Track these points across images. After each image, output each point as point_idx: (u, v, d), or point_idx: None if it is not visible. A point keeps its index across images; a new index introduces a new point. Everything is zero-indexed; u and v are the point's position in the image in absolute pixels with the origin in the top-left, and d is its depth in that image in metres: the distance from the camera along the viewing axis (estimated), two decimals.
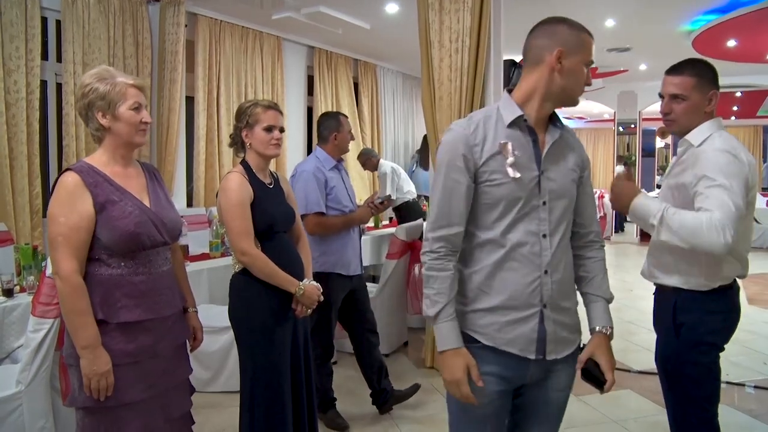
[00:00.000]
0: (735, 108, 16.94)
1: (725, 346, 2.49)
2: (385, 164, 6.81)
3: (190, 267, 4.55)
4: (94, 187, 2.04)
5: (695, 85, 2.38)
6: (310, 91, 8.68)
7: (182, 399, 2.34)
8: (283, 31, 7.75)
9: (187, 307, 2.42)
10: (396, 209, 6.81)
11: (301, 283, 2.69)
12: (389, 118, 10.19)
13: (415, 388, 3.92)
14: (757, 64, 9.88)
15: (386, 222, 7.12)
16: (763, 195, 16.25)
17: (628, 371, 4.69)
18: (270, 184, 2.78)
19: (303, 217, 3.44)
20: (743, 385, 4.44)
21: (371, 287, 5.00)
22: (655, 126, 20.04)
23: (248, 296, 2.67)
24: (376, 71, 9.85)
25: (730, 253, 2.22)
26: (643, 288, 4.43)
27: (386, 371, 3.83)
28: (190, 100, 6.65)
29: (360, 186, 9.25)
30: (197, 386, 4.12)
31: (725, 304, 2.44)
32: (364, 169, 7.31)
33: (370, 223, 7.04)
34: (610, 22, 7.50)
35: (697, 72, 2.39)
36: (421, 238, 5.01)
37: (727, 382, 4.47)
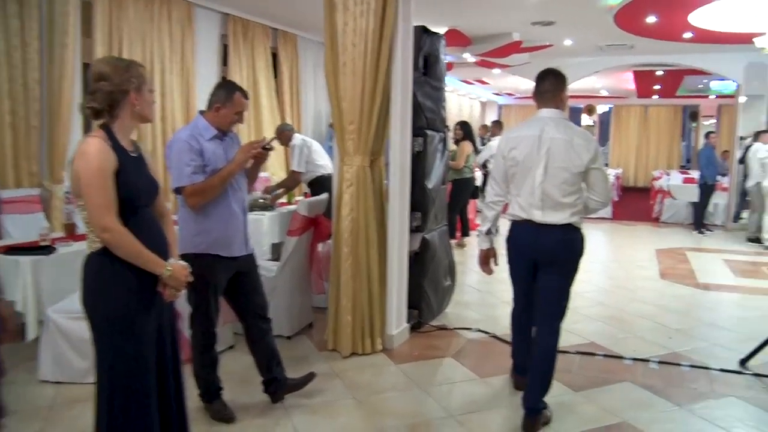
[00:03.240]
0: (657, 87, 17.25)
1: None
2: (297, 137, 6.50)
3: (74, 247, 4.20)
4: None
5: None
6: (225, 61, 8.26)
7: None
8: None
9: None
10: (309, 184, 6.52)
11: (167, 264, 2.41)
12: (310, 91, 9.86)
13: (310, 376, 3.68)
14: (677, 42, 9.96)
15: (300, 198, 6.84)
16: (681, 172, 16.67)
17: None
18: (133, 152, 2.46)
19: (179, 190, 3.13)
20: (648, 360, 4.39)
21: (273, 266, 4.74)
22: (582, 103, 20.32)
23: (106, 278, 2.36)
24: (296, 42, 9.48)
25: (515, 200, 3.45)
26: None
27: (278, 359, 3.58)
28: (89, 68, 6.15)
29: (277, 163, 8.95)
30: (75, 377, 3.84)
31: (511, 233, 3.56)
32: (281, 144, 6.99)
33: (283, 199, 6.75)
34: None
35: None
36: (325, 214, 4.76)
37: (633, 359, 4.43)
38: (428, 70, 4.97)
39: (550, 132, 3.29)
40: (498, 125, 10.45)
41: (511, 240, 3.55)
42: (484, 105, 22.25)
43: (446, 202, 5.48)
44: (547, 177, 3.27)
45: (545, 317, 3.44)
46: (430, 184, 4.91)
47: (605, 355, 4.51)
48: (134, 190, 2.39)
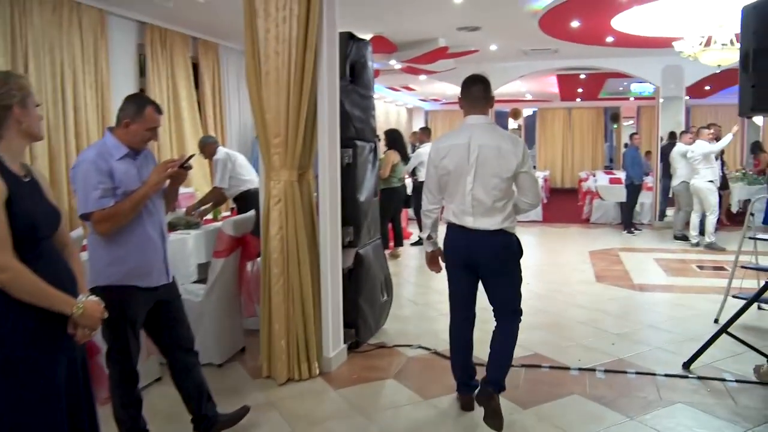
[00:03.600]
0: (579, 90, 17.61)
1: None
2: (221, 151, 6.19)
3: None
4: None
5: None
6: (143, 72, 7.84)
7: None
8: (106, 4, 6.87)
9: None
10: (235, 199, 6.22)
11: (78, 301, 2.11)
12: (234, 102, 9.52)
13: (244, 410, 3.40)
14: (599, 46, 10.11)
15: (227, 213, 6.51)
16: (606, 173, 17.05)
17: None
18: (25, 176, 2.15)
19: (86, 216, 2.81)
20: (594, 370, 4.30)
21: (200, 289, 4.43)
22: (508, 107, 20.59)
23: (2, 322, 2.04)
24: (218, 51, 9.13)
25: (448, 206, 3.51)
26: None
27: (208, 394, 3.28)
28: None
29: (202, 177, 8.58)
30: None
31: (446, 237, 3.56)
32: (205, 158, 6.67)
33: (209, 216, 6.42)
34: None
35: None
36: (253, 232, 4.48)
37: (579, 369, 4.32)
38: (356, 77, 4.77)
39: (478, 139, 3.33)
40: (426, 132, 10.31)
41: (447, 243, 3.59)
42: (410, 111, 22.26)
43: (376, 214, 5.28)
44: (477, 184, 3.33)
45: (502, 318, 3.54)
46: (362, 196, 4.70)
47: (551, 367, 4.38)
48: (31, 221, 2.08)
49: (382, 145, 9.53)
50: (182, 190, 7.88)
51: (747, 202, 11.73)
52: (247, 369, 4.44)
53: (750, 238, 5.65)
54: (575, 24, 8.33)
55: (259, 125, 4.07)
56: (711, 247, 9.11)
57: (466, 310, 3.66)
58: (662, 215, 12.03)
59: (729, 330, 4.30)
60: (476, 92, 3.45)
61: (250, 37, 4.04)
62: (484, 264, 3.41)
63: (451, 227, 3.50)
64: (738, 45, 7.80)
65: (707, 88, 15.54)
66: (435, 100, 21.02)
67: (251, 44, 4.04)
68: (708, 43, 7.92)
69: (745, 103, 3.99)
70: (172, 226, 6.15)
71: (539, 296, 6.40)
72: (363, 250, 4.77)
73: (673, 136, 11.77)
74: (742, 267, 5.44)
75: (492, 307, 3.56)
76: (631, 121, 21.75)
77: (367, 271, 4.80)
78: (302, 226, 4.10)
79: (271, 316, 4.11)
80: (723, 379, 4.11)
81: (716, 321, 5.39)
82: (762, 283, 5.53)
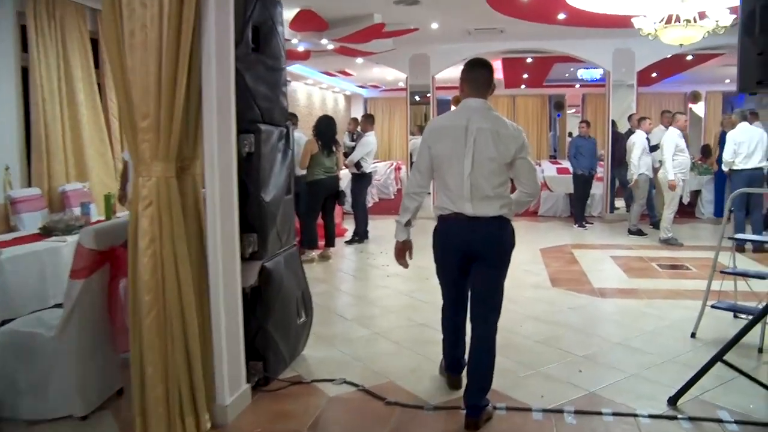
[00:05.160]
0: (525, 76, 16.92)
1: None
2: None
3: None
4: None
5: None
6: (26, 47, 6.64)
7: None
8: None
9: None
10: None
11: None
12: None
13: None
14: (549, 25, 9.32)
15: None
16: (552, 162, 16.43)
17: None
18: None
19: None
20: (561, 411, 3.43)
21: (56, 319, 3.38)
22: (450, 95, 19.78)
23: None
24: None
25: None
26: None
27: None
28: None
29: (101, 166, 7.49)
30: None
31: (439, 228, 3.42)
32: None
33: (100, 216, 5.38)
34: None
35: None
36: (125, 243, 3.44)
37: (543, 410, 3.45)
38: (260, 45, 3.75)
39: (476, 122, 3.23)
40: (369, 119, 9.27)
41: (440, 235, 3.45)
42: (348, 98, 21.28)
43: (294, 215, 4.31)
44: (475, 168, 3.21)
45: (481, 312, 3.37)
46: (268, 195, 3.69)
47: (508, 408, 3.47)
48: None
49: (301, 130, 8.56)
50: (72, 186, 6.86)
51: (697, 193, 11.21)
52: (119, 421, 3.41)
53: (729, 238, 4.91)
54: None
55: (122, 103, 3.03)
56: (668, 243, 8.44)
57: (457, 299, 3.57)
58: (613, 207, 11.42)
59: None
60: (481, 76, 3.36)
61: None
62: (481, 252, 3.28)
63: (445, 218, 3.36)
64: (701, 22, 7.18)
65: (654, 75, 15.06)
66: (374, 86, 20.07)
67: None
68: (669, 21, 7.18)
69: (749, 76, 3.19)
70: (47, 231, 5.08)
71: None
72: (271, 262, 3.78)
73: (614, 125, 11.16)
74: (721, 272, 4.68)
75: (470, 301, 3.43)
76: (574, 110, 21.29)
77: (278, 288, 3.81)
78: (182, 236, 3.08)
79: (143, 358, 3.08)
80: (720, 420, 3.30)
81: (693, 335, 4.64)
82: (739, 287, 4.85)
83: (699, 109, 19.00)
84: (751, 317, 3.84)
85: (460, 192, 3.24)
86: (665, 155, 8.16)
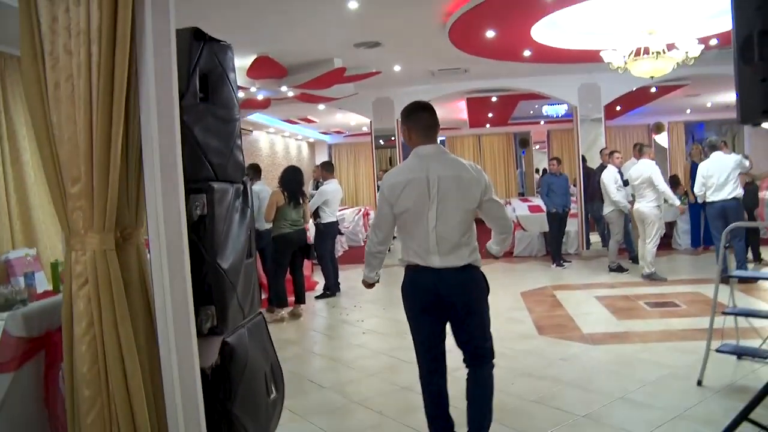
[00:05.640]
0: (490, 115, 16.82)
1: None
2: None
3: None
4: None
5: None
6: None
7: None
8: None
9: None
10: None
11: None
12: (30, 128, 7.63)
13: None
14: (514, 63, 9.15)
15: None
16: (522, 200, 16.24)
17: None
18: None
19: None
20: None
21: None
22: None
23: None
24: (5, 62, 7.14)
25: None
26: None
27: None
28: None
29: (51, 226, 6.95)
30: None
31: (408, 280, 3.24)
32: None
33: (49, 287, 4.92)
34: (353, 4, 6.01)
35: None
36: (59, 329, 2.97)
37: None
38: (210, 94, 3.36)
39: (436, 170, 3.09)
40: (327, 167, 8.89)
41: (410, 285, 3.26)
42: (312, 145, 20.99)
43: (257, 280, 3.88)
44: (440, 220, 3.08)
45: (476, 360, 3.25)
46: (226, 261, 3.25)
47: None
48: None
49: (263, 182, 8.16)
50: (15, 254, 6.33)
51: (673, 224, 11.03)
52: None
53: (727, 276, 4.61)
54: (490, 34, 7.27)
55: (48, 166, 2.61)
56: (651, 278, 8.16)
57: (435, 361, 3.29)
58: (588, 243, 11.19)
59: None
60: (427, 120, 3.22)
61: (27, 29, 2.59)
62: (454, 304, 3.14)
63: (414, 269, 3.20)
64: (670, 54, 7.03)
65: (618, 108, 15.05)
66: (338, 132, 19.81)
67: (29, 38, 2.58)
68: (638, 53, 7.01)
69: (751, 106, 2.90)
70: None
71: None
72: (234, 336, 3.33)
73: (584, 160, 11.03)
74: (723, 313, 4.37)
75: (463, 353, 3.26)
76: (538, 146, 21.27)
77: (243, 365, 3.35)
78: (126, 317, 2.62)
79: None
80: None
81: (700, 383, 4.28)
82: (740, 325, 4.55)
83: (662, 139, 19.09)
84: (758, 359, 3.54)
85: (425, 245, 3.10)
86: (661, 185, 8.01)
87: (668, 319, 6.18)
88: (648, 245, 8.16)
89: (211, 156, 3.33)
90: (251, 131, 15.23)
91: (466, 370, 3.28)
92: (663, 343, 5.34)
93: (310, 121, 16.29)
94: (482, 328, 3.23)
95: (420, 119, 3.23)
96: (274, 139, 17.38)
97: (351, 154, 21.02)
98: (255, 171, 7.87)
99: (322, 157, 20.09)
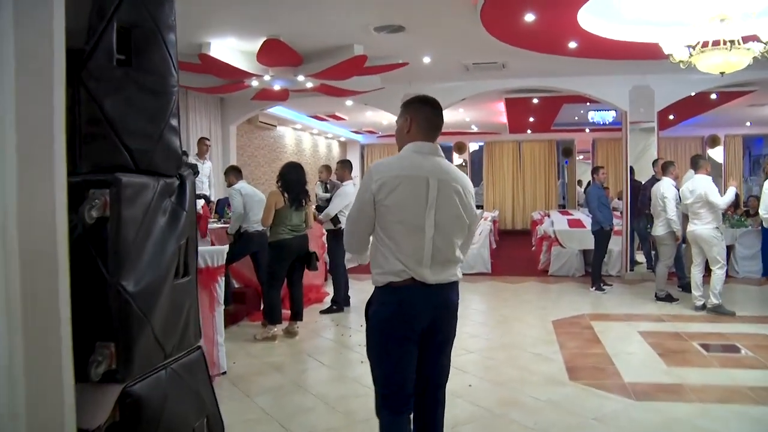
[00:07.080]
0: (531, 119, 15.79)
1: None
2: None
3: None
4: None
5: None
6: None
7: None
8: None
9: None
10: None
11: None
12: None
13: None
14: (558, 56, 8.14)
15: None
16: (561, 213, 15.14)
17: None
18: None
19: None
20: None
21: None
22: (449, 140, 18.66)
23: None
24: None
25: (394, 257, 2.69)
26: None
27: None
28: None
29: None
30: None
31: (389, 299, 2.70)
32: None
33: None
34: None
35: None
36: None
37: None
38: (134, 56, 2.48)
39: (437, 173, 2.70)
40: (346, 165, 8.00)
41: (389, 308, 2.71)
42: (344, 144, 20.17)
43: (189, 306, 2.99)
44: (438, 229, 2.68)
45: (435, 391, 2.87)
46: (135, 282, 2.33)
47: None
48: None
49: (246, 181, 7.31)
50: None
51: (730, 249, 9.85)
52: None
53: None
54: (529, 18, 6.27)
55: None
56: (717, 311, 7.05)
57: (407, 401, 2.75)
58: (633, 264, 10.10)
59: None
60: (436, 119, 2.87)
61: None
62: (438, 325, 2.76)
63: (401, 285, 2.68)
64: (747, 45, 5.92)
65: (671, 117, 13.87)
66: (370, 131, 18.96)
67: None
68: (705, 45, 5.95)
69: None
70: None
71: (486, 415, 4.10)
72: (143, 384, 2.41)
73: (632, 172, 9.97)
74: None
75: (421, 385, 2.79)
76: (582, 156, 20.14)
77: (154, 422, 2.47)
78: None
79: None
80: None
81: None
82: None
83: (717, 154, 17.79)
84: None
85: (418, 256, 2.67)
86: (720, 202, 7.01)
87: (732, 370, 5.08)
88: (716, 272, 7.04)
89: (129, 139, 2.41)
90: (275, 126, 14.44)
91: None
92: (727, 405, 4.26)
93: (338, 119, 15.47)
94: (449, 356, 2.88)
95: (429, 114, 2.86)
96: (302, 136, 16.60)
97: (384, 156, 20.15)
98: (236, 172, 7.08)
99: (354, 158, 19.27)
